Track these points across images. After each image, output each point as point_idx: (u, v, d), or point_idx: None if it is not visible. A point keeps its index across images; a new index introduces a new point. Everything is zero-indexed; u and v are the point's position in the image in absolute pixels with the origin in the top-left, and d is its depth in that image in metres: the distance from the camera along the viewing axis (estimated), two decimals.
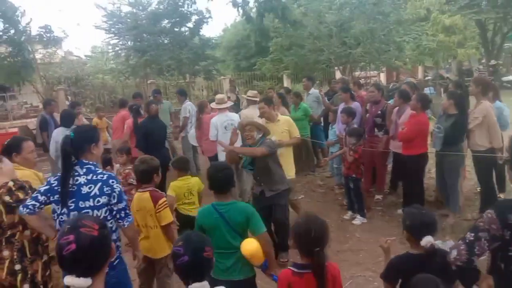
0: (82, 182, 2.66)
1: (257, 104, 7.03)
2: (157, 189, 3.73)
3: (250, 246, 2.76)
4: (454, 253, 2.19)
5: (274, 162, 4.58)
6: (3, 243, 2.95)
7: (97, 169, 2.76)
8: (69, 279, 1.47)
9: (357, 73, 17.49)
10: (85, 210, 2.63)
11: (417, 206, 2.63)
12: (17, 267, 2.97)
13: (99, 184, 2.67)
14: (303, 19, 13.24)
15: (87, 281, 1.47)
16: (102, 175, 2.71)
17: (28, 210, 2.68)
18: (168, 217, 3.55)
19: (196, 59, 14.43)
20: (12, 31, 10.30)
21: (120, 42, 18.61)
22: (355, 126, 6.12)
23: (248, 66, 22.12)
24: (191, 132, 8.07)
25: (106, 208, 2.69)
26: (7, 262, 2.95)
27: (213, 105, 6.82)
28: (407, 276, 2.33)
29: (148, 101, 7.45)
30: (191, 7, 13.64)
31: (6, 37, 10.37)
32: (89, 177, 2.68)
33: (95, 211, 2.65)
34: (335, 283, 2.36)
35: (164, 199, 3.59)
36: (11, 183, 2.97)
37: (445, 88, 11.44)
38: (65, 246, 1.48)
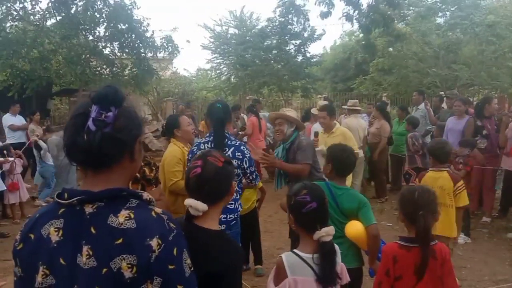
0: None
1: (358, 113, 7.07)
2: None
3: (353, 228, 2.66)
4: None
5: (316, 172, 3.92)
6: None
7: (231, 137, 3.21)
8: (189, 201, 1.62)
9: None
10: None
11: None
12: None
13: (232, 148, 3.10)
14: (408, 38, 12.82)
15: (204, 206, 1.60)
16: (235, 142, 3.17)
17: None
18: (465, 199, 3.64)
19: (295, 76, 14.72)
20: (138, 43, 11.55)
21: (224, 62, 19.78)
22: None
23: (345, 89, 21.87)
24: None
25: None
26: None
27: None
28: None
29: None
30: (302, 25, 13.97)
31: (133, 50, 11.63)
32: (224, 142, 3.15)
33: None
34: (444, 264, 2.21)
35: (462, 181, 3.67)
36: None
37: None
38: (192, 169, 1.66)
